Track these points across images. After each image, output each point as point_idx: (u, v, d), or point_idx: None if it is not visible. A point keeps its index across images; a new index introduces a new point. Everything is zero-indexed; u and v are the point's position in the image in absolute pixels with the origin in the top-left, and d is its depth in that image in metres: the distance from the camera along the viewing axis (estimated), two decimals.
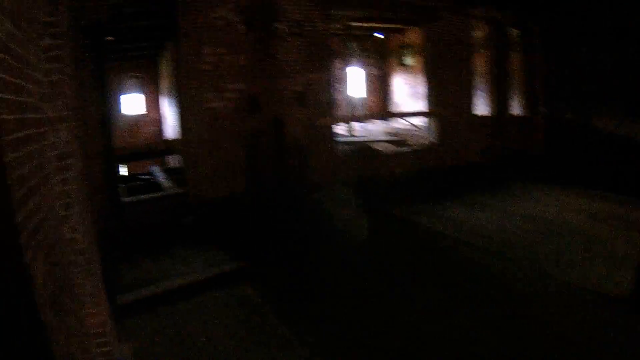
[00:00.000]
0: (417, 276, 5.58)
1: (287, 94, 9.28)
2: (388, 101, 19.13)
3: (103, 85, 7.93)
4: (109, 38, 11.83)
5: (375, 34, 17.74)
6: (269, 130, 9.15)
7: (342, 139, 12.31)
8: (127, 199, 8.70)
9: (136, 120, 19.32)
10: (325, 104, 9.77)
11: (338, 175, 10.02)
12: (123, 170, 15.60)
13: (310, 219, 8.52)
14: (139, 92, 19.26)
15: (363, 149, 11.22)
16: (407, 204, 8.59)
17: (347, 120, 13.69)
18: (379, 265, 5.95)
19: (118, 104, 18.85)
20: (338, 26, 14.27)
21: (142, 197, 9.00)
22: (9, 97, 1.81)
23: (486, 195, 8.95)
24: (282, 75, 9.18)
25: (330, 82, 9.90)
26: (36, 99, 2.55)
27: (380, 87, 19.12)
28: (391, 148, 13.10)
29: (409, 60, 18.83)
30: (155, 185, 10.58)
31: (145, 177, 11.74)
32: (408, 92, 18.67)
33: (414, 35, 17.93)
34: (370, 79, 19.03)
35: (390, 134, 14.70)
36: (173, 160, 14.21)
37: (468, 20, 11.95)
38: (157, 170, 12.03)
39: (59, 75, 3.01)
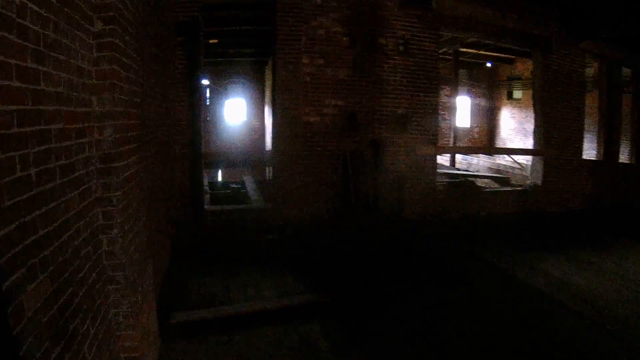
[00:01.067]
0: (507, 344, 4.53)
1: (388, 116, 8.57)
2: (493, 134, 17.81)
3: (193, 86, 7.67)
4: (212, 40, 11.97)
5: (486, 63, 16.62)
6: (366, 153, 8.46)
7: (443, 170, 11.34)
8: (210, 207, 8.36)
9: (238, 126, 18.89)
10: (428, 131, 8.92)
11: (435, 211, 9.08)
12: (217, 176, 15.66)
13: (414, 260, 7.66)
14: (243, 98, 18.90)
15: (464, 185, 10.17)
16: (506, 249, 7.49)
17: (451, 151, 12.70)
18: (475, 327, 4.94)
19: (220, 108, 18.75)
20: (446, 49, 13.43)
21: (226, 207, 8.64)
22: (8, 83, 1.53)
23: (592, 251, 7.59)
24: (384, 94, 8.50)
25: (436, 108, 9.05)
26: (68, 89, 2.11)
27: (486, 119, 17.86)
28: (493, 185, 11.92)
29: (517, 93, 17.52)
30: (243, 196, 10.24)
31: (236, 186, 11.47)
32: (514, 127, 17.28)
33: (523, 67, 16.67)
34: (476, 110, 17.86)
35: (493, 169, 13.45)
36: (269, 173, 13.89)
37: (580, 55, 10.59)
38: (249, 181, 11.76)
39: (111, 66, 2.52)
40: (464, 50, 13.92)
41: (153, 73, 5.21)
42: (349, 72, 8.26)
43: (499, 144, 17.39)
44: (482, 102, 17.75)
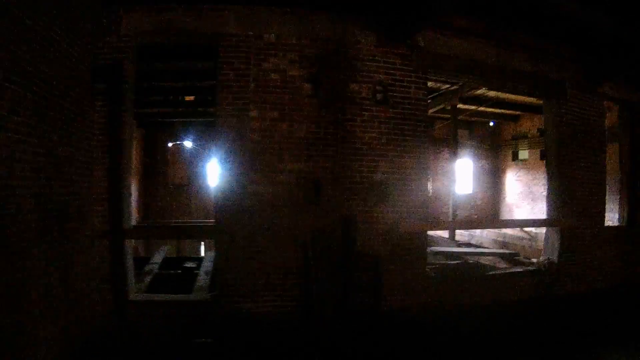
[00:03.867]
0: None
1: (363, 183, 6.67)
2: (498, 200, 15.98)
3: (116, 145, 6.11)
4: (188, 98, 10.59)
5: (488, 122, 15.06)
6: (333, 232, 6.49)
7: (437, 249, 9.32)
8: (137, 297, 6.36)
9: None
10: (415, 201, 6.98)
11: (425, 302, 6.98)
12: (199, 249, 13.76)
13: None
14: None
15: (465, 267, 8.11)
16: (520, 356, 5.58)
17: (445, 228, 10.65)
18: None
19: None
20: (443, 106, 11.74)
21: (155, 297, 6.60)
22: None
23: (629, 352, 5.58)
24: (358, 156, 6.65)
25: (425, 172, 7.16)
26: None
27: (490, 183, 16.06)
28: (500, 265, 9.81)
29: (523, 154, 15.81)
30: (193, 279, 8.14)
31: (191, 265, 9.27)
32: (520, 191, 15.45)
33: (529, 124, 15.07)
34: (479, 173, 16.09)
35: (499, 242, 11.43)
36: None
37: (598, 101, 8.79)
38: (209, 258, 9.64)
39: None
40: (463, 107, 12.27)
41: None
42: (311, 128, 6.46)
43: (505, 210, 15.51)
44: (486, 164, 16.00)
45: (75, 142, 5.64)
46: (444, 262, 8.58)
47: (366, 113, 6.71)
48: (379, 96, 6.77)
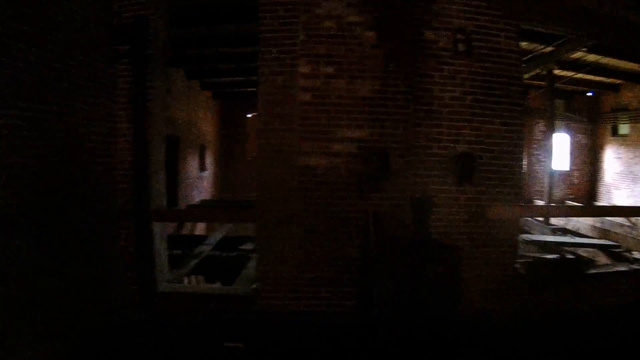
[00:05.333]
0: None
1: (441, 156, 5.29)
2: (595, 179, 14.02)
3: (140, 113, 5.28)
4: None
5: (586, 92, 13.05)
6: (402, 216, 5.21)
7: (528, 237, 7.77)
8: (168, 288, 5.47)
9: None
10: (507, 180, 5.52)
11: (514, 303, 5.58)
12: None
13: None
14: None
15: (564, 263, 6.55)
16: None
17: (544, 213, 8.93)
18: None
19: None
20: (538, 71, 9.94)
21: (185, 288, 5.69)
22: None
23: None
24: (435, 120, 5.27)
25: (520, 143, 5.66)
26: None
27: (587, 160, 14.12)
28: (600, 259, 8.09)
29: (624, 128, 13.64)
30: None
31: (247, 247, 8.32)
32: (620, 170, 13.36)
33: (631, 95, 12.86)
34: (575, 149, 14.16)
35: (597, 229, 9.67)
36: None
37: None
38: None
39: None
40: (559, 73, 10.41)
41: None
42: (376, 85, 5.14)
43: (602, 191, 13.54)
44: (582, 139, 14.01)
45: (97, 112, 4.91)
46: (536, 254, 7.04)
47: (446, 67, 5.30)
48: (460, 46, 5.33)
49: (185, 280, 6.60)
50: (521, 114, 5.66)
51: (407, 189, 5.20)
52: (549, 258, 6.60)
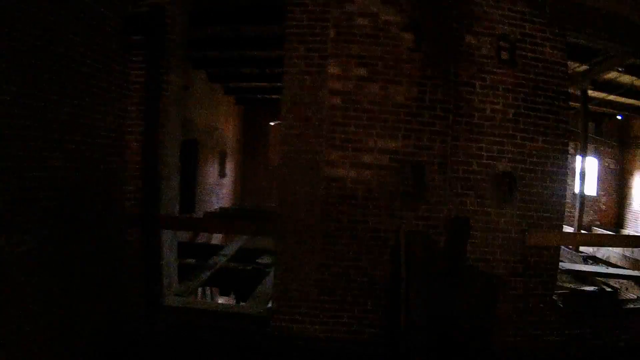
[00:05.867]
0: None
1: (481, 174, 4.81)
2: (623, 206, 13.56)
3: (153, 108, 4.76)
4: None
5: (615, 115, 12.61)
6: (437, 238, 4.71)
7: (562, 266, 7.24)
8: (175, 303, 4.96)
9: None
10: (549, 204, 5.02)
11: (550, 338, 5.03)
12: None
13: None
14: None
15: (603, 296, 6.00)
16: None
17: (586, 242, 8.29)
18: None
19: None
20: (572, 91, 9.46)
21: (194, 305, 5.19)
22: None
23: None
24: (475, 134, 4.80)
25: (564, 164, 5.15)
26: None
27: (615, 185, 13.71)
28: (634, 290, 7.55)
29: None
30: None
31: (266, 261, 7.78)
32: None
33: None
34: (603, 174, 13.71)
35: (629, 258, 9.12)
36: None
37: None
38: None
39: None
40: (592, 94, 9.93)
41: None
42: (413, 92, 4.69)
43: (630, 219, 13.04)
44: (611, 163, 13.55)
45: (107, 106, 4.50)
46: (571, 285, 6.51)
47: (487, 77, 4.84)
48: (503, 55, 4.88)
49: (200, 291, 6.11)
50: (566, 133, 5.18)
51: (443, 208, 4.70)
52: (588, 290, 6.07)
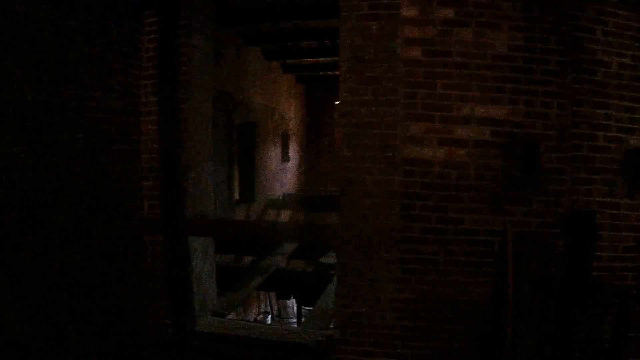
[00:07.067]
0: None
1: (608, 152, 3.52)
2: None
3: (169, 92, 3.41)
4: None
5: None
6: (553, 241, 3.43)
7: None
8: (210, 326, 3.75)
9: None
10: None
11: None
12: None
13: None
14: None
15: None
16: None
17: None
18: None
19: None
20: None
21: (231, 330, 3.94)
22: None
23: None
24: (598, 96, 3.50)
25: None
26: None
27: None
28: None
29: None
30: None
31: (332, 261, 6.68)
32: None
33: None
34: None
35: None
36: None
37: None
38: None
39: None
40: None
41: None
42: (518, 40, 3.39)
43: None
44: None
45: (110, 80, 3.41)
46: None
47: (610, 20, 3.56)
48: None
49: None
50: None
51: (563, 200, 3.42)
52: None
